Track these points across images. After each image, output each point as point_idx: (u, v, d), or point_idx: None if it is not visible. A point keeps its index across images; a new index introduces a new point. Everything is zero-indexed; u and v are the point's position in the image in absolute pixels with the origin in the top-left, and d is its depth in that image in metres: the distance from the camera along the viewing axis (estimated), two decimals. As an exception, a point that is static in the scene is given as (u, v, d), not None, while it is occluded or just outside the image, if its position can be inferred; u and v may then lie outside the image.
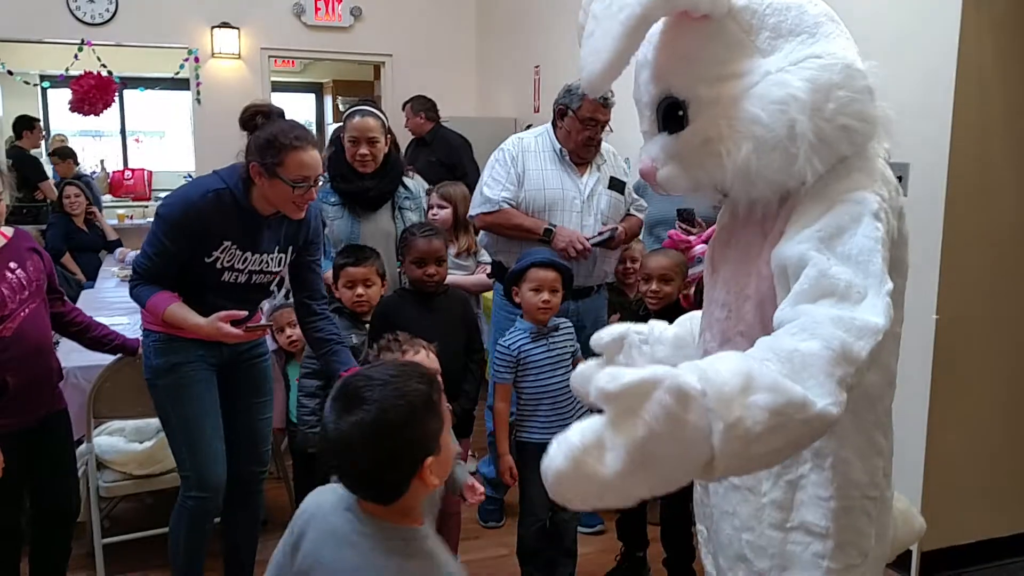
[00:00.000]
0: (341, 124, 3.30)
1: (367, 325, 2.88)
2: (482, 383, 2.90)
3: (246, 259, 2.38)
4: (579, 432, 1.16)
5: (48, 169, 7.41)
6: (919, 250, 2.75)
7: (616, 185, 3.28)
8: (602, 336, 1.82)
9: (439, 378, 1.52)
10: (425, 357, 2.16)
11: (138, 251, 5.31)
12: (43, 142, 7.01)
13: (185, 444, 2.43)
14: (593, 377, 1.17)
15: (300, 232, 2.49)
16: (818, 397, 1.18)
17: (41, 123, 6.74)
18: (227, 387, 2.50)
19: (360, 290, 2.84)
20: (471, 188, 3.57)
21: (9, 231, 2.40)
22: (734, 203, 1.54)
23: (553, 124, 3.24)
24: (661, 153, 1.52)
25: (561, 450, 1.16)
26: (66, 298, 2.61)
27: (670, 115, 1.48)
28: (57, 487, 2.48)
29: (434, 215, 3.59)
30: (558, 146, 3.20)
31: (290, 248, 2.49)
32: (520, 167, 3.17)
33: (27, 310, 2.31)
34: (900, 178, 2.85)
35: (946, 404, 2.88)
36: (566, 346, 2.76)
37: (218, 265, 2.35)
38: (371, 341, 2.76)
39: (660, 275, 2.79)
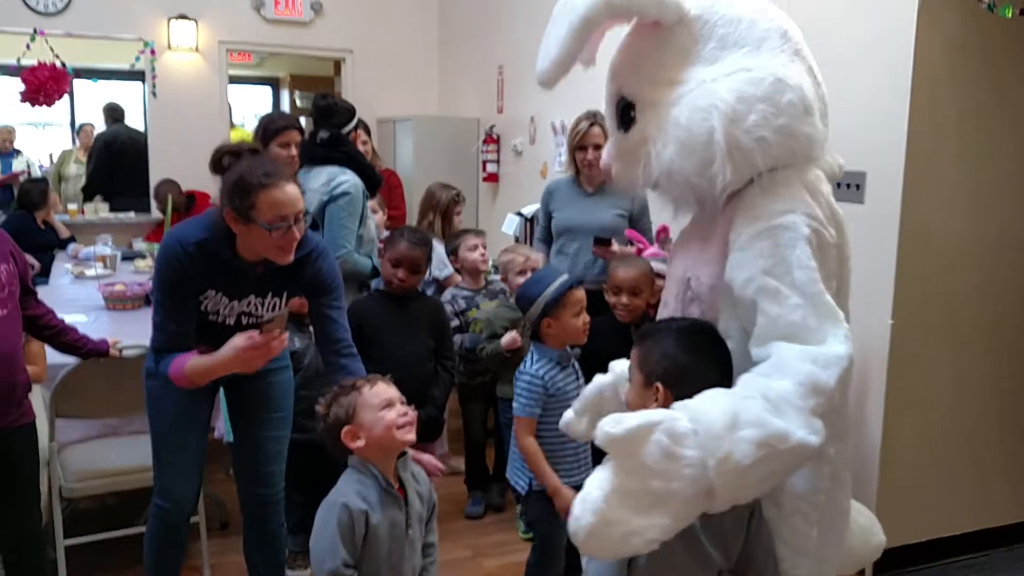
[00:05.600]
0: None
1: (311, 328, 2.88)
2: (451, 389, 2.89)
3: (232, 307, 2.25)
4: (596, 485, 1.33)
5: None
6: (875, 256, 2.88)
7: None
8: (568, 418, 1.98)
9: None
10: (385, 387, 1.99)
11: (88, 247, 5.33)
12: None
13: (153, 450, 2.38)
14: (599, 423, 1.35)
15: (298, 275, 2.26)
16: (796, 428, 1.33)
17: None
18: (234, 402, 2.42)
19: None
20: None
21: None
22: (678, 204, 1.68)
23: None
24: (614, 150, 1.65)
25: (587, 507, 1.32)
26: (40, 299, 2.52)
27: (624, 115, 1.59)
28: (14, 501, 2.36)
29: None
30: None
31: (285, 293, 2.31)
32: None
33: None
34: (857, 186, 2.97)
35: (901, 407, 2.98)
36: (582, 377, 2.52)
37: (201, 308, 2.23)
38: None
39: (630, 287, 2.75)
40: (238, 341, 2.09)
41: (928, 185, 2.91)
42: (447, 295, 3.55)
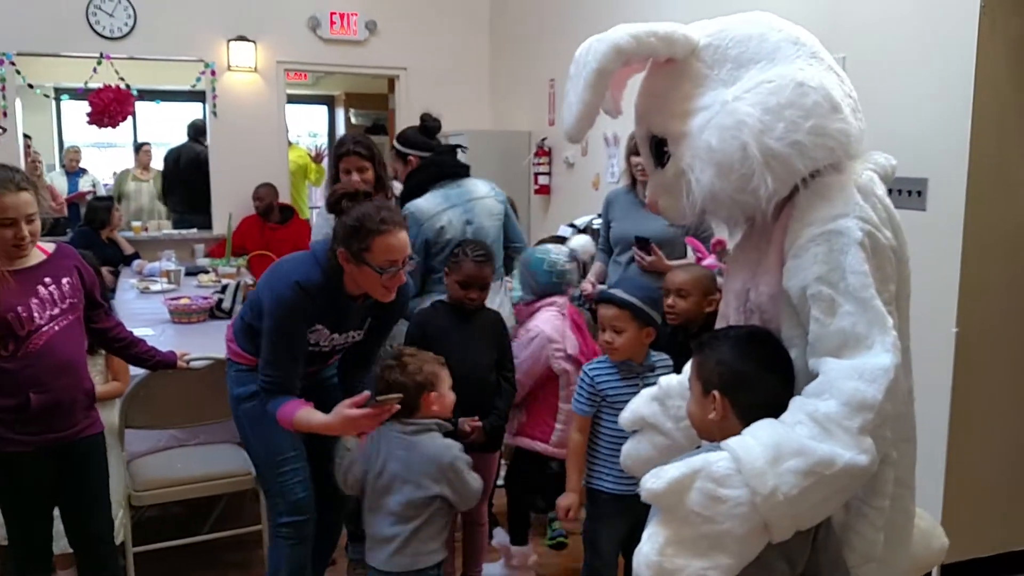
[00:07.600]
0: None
1: None
2: (513, 400, 2.91)
3: (333, 338, 2.39)
4: (647, 539, 1.38)
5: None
6: (938, 263, 2.83)
7: None
8: (625, 416, 1.98)
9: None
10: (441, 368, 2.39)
11: (153, 262, 5.50)
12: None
13: (267, 466, 2.43)
14: (642, 480, 1.39)
15: (391, 305, 2.41)
16: (844, 450, 1.35)
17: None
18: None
19: None
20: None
21: (51, 247, 2.38)
22: (729, 223, 1.69)
23: None
24: (657, 187, 1.68)
25: (640, 559, 1.37)
26: (111, 313, 2.60)
27: (659, 151, 1.63)
28: (83, 510, 2.41)
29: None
30: None
31: (370, 317, 2.47)
32: None
33: (58, 327, 2.27)
34: (919, 192, 2.92)
35: (967, 416, 2.91)
36: None
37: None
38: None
39: (676, 289, 2.73)
40: (350, 412, 2.16)
41: (993, 190, 2.85)
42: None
